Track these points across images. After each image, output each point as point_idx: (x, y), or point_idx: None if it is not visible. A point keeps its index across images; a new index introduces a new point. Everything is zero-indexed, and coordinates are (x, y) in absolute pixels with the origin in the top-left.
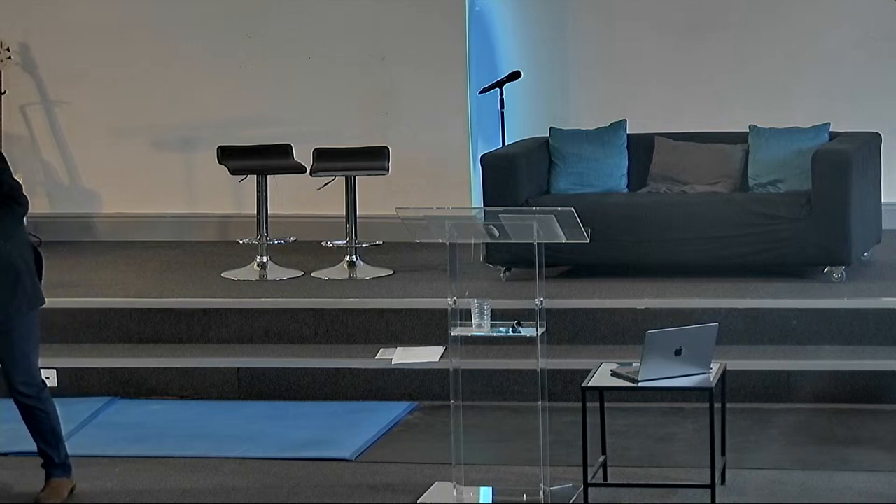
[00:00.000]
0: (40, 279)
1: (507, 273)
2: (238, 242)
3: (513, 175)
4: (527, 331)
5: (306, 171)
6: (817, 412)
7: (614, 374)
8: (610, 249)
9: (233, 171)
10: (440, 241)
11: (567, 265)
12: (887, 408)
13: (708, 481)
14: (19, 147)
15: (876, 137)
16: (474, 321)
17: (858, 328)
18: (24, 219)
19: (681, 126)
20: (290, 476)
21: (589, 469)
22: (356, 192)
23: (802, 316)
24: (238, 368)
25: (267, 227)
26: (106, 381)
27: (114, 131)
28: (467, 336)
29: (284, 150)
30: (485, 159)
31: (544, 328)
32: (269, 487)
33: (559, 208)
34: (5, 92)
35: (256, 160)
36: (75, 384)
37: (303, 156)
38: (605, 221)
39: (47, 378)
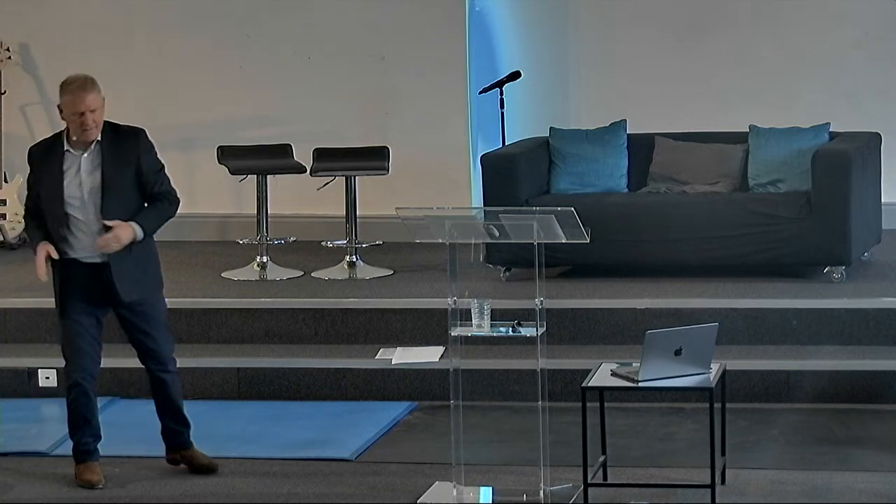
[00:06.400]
0: None
1: (507, 273)
2: (238, 242)
3: (513, 175)
4: (527, 331)
5: (306, 171)
6: (817, 412)
7: (614, 374)
8: (610, 249)
9: (233, 171)
10: (440, 241)
11: (567, 265)
12: (887, 408)
13: (708, 481)
14: (19, 147)
15: (876, 137)
16: (474, 321)
17: (858, 328)
18: None
19: (681, 126)
20: (290, 476)
21: (589, 469)
22: (356, 192)
23: (802, 316)
24: (238, 368)
25: (267, 227)
26: (106, 381)
27: None
28: (467, 336)
29: (284, 150)
30: (485, 159)
31: (544, 328)
32: (269, 487)
33: (559, 208)
34: (5, 92)
35: (256, 160)
36: None
37: (303, 156)
38: (605, 221)
39: (47, 378)
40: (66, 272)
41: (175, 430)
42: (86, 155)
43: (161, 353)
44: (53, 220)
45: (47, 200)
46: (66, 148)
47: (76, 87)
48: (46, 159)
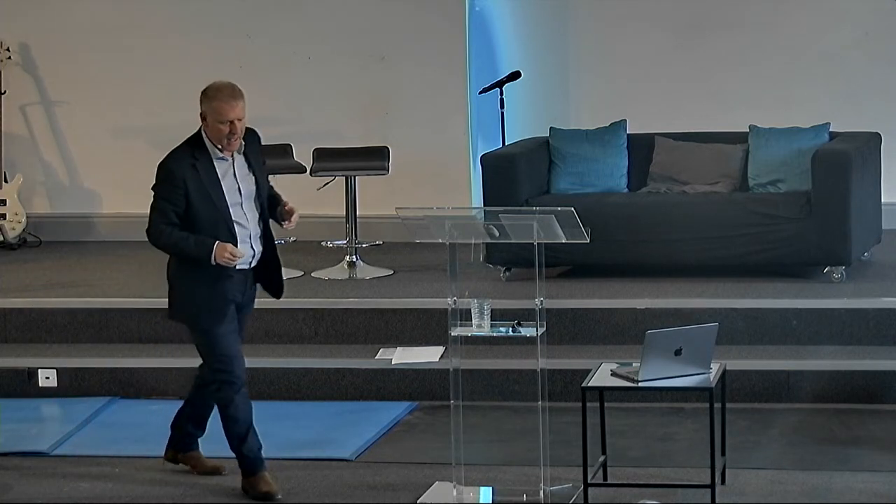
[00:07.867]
0: None
1: (507, 273)
2: None
3: (513, 175)
4: (527, 331)
5: (306, 171)
6: (817, 412)
7: (614, 374)
8: (610, 249)
9: None
10: (440, 241)
11: (567, 265)
12: (887, 408)
13: (708, 481)
14: (19, 147)
15: (876, 137)
16: (474, 321)
17: (858, 328)
18: None
19: (681, 126)
20: (290, 476)
21: (589, 469)
22: (356, 192)
23: (802, 316)
24: None
25: None
26: (106, 381)
27: (114, 131)
28: (467, 336)
29: (284, 150)
30: (485, 159)
31: (544, 328)
32: None
33: (559, 208)
34: (5, 92)
35: None
36: (75, 384)
37: (303, 156)
38: (605, 221)
39: (47, 378)
40: (219, 284)
41: (193, 435)
42: (236, 159)
43: (242, 367)
44: (218, 230)
45: (208, 210)
46: (220, 155)
47: (226, 95)
48: (196, 169)
